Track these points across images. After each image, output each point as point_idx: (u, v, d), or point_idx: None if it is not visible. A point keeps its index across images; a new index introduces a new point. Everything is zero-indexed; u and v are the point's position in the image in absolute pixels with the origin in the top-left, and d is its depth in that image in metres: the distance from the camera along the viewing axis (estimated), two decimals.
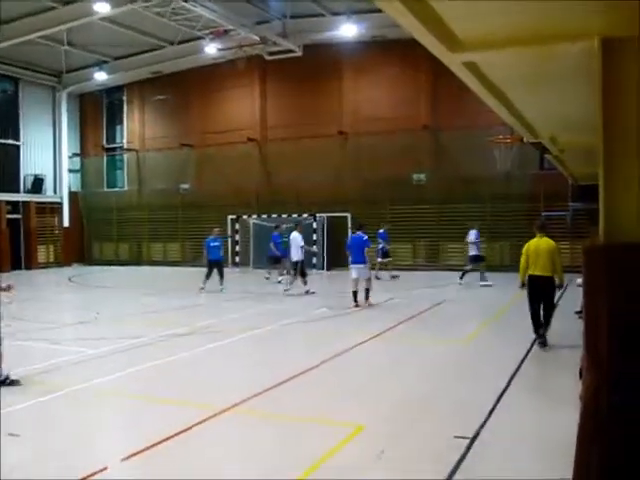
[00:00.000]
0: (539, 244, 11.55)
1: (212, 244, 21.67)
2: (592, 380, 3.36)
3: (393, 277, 24.95)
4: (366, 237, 17.62)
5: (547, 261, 11.37)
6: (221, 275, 21.45)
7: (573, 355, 8.80)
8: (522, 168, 25.96)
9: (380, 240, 24.97)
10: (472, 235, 22.28)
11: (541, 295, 11.55)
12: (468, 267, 22.51)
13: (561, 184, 24.27)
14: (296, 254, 20.52)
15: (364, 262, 17.26)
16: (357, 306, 17.30)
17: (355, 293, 17.44)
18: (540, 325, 11.59)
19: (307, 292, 20.26)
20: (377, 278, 23.60)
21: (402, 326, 14.57)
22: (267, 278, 24.88)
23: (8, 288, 9.64)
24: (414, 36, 3.85)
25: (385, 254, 25.14)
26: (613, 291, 3.31)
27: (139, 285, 21.82)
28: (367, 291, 17.48)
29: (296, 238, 20.67)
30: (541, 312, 11.62)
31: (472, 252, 22.29)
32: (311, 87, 31.04)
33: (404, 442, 6.95)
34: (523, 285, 11.71)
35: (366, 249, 17.35)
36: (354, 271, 17.45)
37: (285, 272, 22.98)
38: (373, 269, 21.19)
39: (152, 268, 33.52)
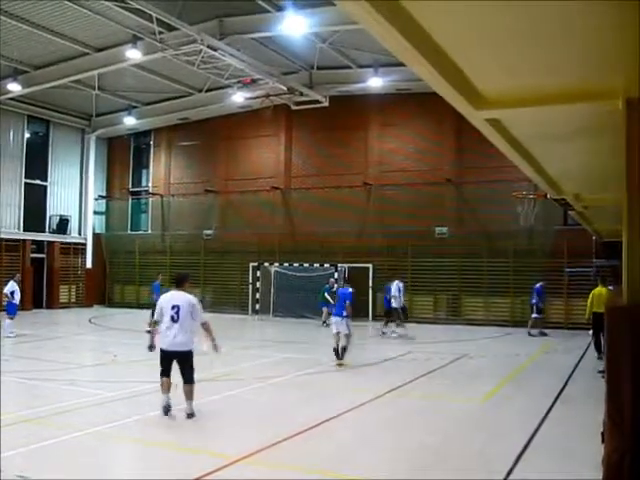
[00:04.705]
0: (601, 291, 16.74)
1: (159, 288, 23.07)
2: (615, 446, 3.23)
3: (541, 334, 23.42)
4: (350, 290, 16.17)
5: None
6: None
7: (596, 416, 8.62)
8: (546, 223, 25.72)
9: (535, 295, 23.71)
10: None
11: (602, 327, 15.31)
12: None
13: (585, 240, 24.11)
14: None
15: (342, 315, 15.80)
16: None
17: (335, 350, 16.01)
18: (601, 349, 16.12)
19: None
20: (530, 335, 23.30)
21: (422, 380, 14.39)
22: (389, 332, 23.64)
23: None
24: (438, 92, 3.86)
25: (539, 310, 23.68)
26: (637, 354, 3.18)
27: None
28: (344, 349, 15.95)
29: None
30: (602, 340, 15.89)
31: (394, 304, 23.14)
32: (336, 137, 31.28)
33: None
34: (589, 319, 16.98)
35: (347, 302, 15.77)
36: (334, 326, 16.07)
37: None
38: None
39: None
